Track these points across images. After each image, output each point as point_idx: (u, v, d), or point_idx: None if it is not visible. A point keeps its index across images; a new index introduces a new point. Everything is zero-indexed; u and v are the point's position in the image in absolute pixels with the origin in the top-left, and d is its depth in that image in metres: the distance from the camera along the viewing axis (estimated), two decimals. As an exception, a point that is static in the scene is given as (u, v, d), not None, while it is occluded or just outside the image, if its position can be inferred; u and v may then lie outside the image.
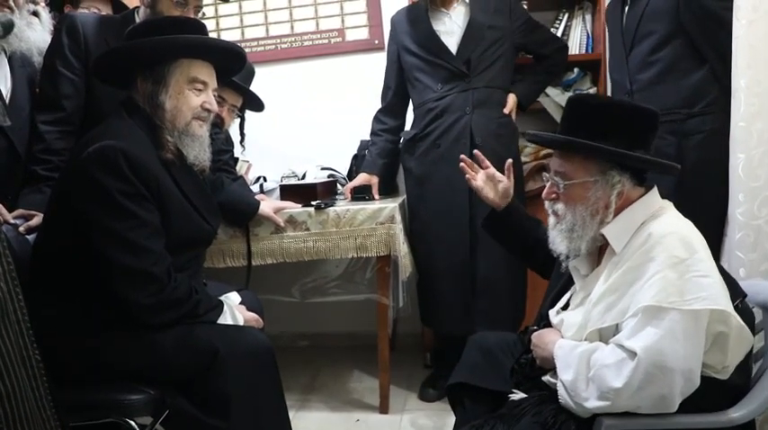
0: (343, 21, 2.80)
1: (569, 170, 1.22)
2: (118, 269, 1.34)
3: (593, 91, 2.47)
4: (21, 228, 1.60)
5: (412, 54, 2.21)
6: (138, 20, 1.83)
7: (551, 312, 1.35)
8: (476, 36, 2.13)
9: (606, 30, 2.21)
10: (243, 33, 2.90)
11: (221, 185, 1.95)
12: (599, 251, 1.28)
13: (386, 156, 2.34)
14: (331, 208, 2.08)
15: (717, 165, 1.67)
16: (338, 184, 2.48)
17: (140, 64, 1.49)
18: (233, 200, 1.98)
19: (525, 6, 2.39)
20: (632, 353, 1.06)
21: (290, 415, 1.61)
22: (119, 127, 1.45)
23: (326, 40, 2.82)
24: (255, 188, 2.40)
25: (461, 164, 1.65)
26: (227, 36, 2.87)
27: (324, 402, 2.34)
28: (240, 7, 2.89)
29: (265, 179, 2.55)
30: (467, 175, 1.64)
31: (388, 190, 2.40)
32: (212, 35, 1.74)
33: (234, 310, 1.54)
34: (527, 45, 2.26)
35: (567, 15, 2.52)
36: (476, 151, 1.67)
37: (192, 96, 1.49)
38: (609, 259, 1.21)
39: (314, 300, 2.58)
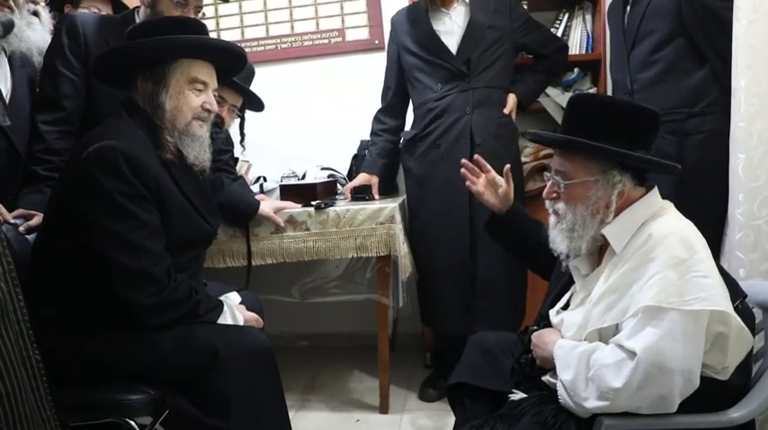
0: (343, 21, 2.80)
1: (570, 169, 1.22)
2: (118, 269, 1.34)
3: (593, 91, 2.47)
4: (21, 228, 1.59)
5: (412, 54, 2.21)
6: (138, 20, 1.84)
7: (551, 312, 1.35)
8: (476, 36, 2.13)
9: (607, 29, 2.21)
10: (243, 33, 2.90)
11: (221, 185, 1.95)
12: (599, 251, 1.28)
13: (386, 156, 2.34)
14: (331, 208, 2.08)
15: (717, 165, 1.66)
16: (338, 184, 2.48)
17: (140, 64, 1.48)
18: (233, 200, 1.98)
19: (525, 6, 2.39)
20: (632, 354, 1.06)
21: (290, 415, 1.61)
22: (119, 127, 1.45)
23: (326, 40, 2.82)
24: (255, 188, 2.40)
25: (462, 169, 1.64)
26: (227, 36, 2.88)
27: (324, 402, 2.34)
28: (240, 7, 2.89)
29: (265, 179, 2.55)
30: (467, 182, 1.63)
31: (388, 190, 2.40)
32: (212, 35, 1.74)
33: (234, 310, 1.54)
34: (527, 45, 2.26)
35: (567, 15, 2.52)
36: (477, 156, 1.66)
37: (192, 96, 1.49)
38: (609, 259, 1.21)
39: (314, 300, 2.58)
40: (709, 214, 1.65)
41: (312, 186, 2.21)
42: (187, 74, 1.48)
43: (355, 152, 2.56)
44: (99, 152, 1.34)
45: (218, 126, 2.00)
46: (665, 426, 1.09)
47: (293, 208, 2.11)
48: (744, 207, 1.56)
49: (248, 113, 2.31)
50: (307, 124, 2.84)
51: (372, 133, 2.38)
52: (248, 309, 1.63)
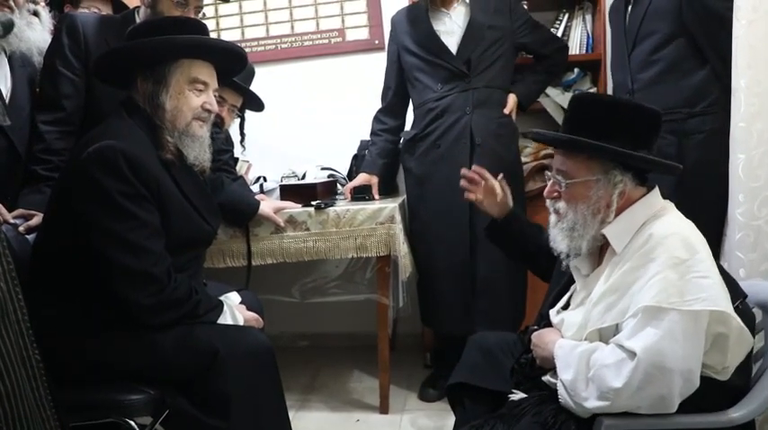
0: (343, 21, 2.80)
1: (571, 169, 1.22)
2: (118, 269, 1.34)
3: (593, 91, 2.47)
4: (20, 228, 1.59)
5: (412, 54, 2.21)
6: (138, 20, 1.83)
7: (552, 312, 1.35)
8: (476, 36, 2.13)
9: (607, 29, 2.21)
10: (243, 33, 2.90)
11: (221, 185, 1.95)
12: (600, 251, 1.28)
13: (386, 156, 2.34)
14: (331, 208, 2.08)
15: (717, 165, 1.66)
16: (338, 184, 2.48)
17: (141, 64, 1.48)
18: (233, 200, 1.98)
19: (525, 6, 2.39)
20: (632, 354, 1.06)
21: (290, 415, 1.61)
22: (119, 127, 1.45)
23: (326, 40, 2.82)
24: (255, 188, 2.40)
25: (462, 181, 1.63)
26: (227, 36, 2.88)
27: (324, 402, 2.34)
28: (240, 7, 2.89)
29: (265, 179, 2.55)
30: (467, 194, 1.62)
31: (388, 190, 2.40)
32: (212, 35, 1.74)
33: (234, 310, 1.54)
34: (527, 45, 2.26)
35: (567, 15, 2.52)
36: (475, 166, 1.64)
37: (192, 97, 1.49)
38: (610, 259, 1.21)
39: (314, 300, 2.58)
40: (709, 214, 1.65)
41: (312, 186, 2.21)
42: (187, 74, 1.48)
43: (355, 152, 2.56)
44: (99, 152, 1.34)
45: (218, 126, 2.00)
46: (664, 426, 1.09)
47: (293, 208, 2.11)
48: (744, 207, 1.56)
49: (248, 113, 2.31)
50: (307, 124, 2.84)
51: (372, 133, 2.38)
52: (248, 308, 1.63)
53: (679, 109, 1.75)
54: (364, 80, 2.66)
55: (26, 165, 1.75)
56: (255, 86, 2.18)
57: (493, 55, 2.15)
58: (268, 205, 2.06)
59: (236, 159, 2.38)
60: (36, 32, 1.78)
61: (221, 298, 1.57)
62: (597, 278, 1.22)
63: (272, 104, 2.32)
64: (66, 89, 1.80)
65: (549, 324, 1.34)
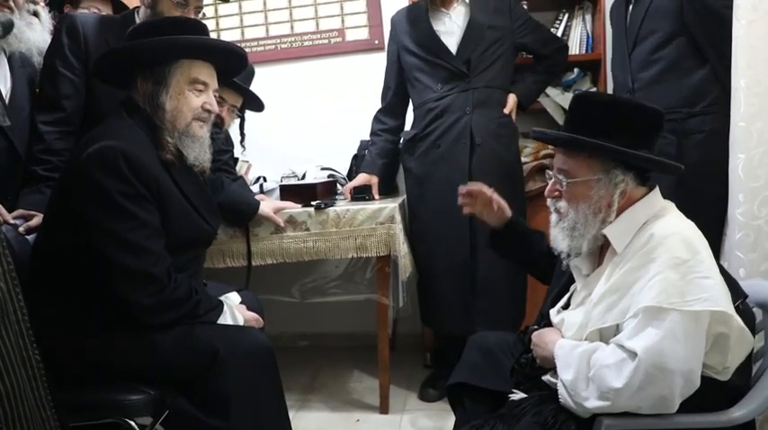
0: (343, 21, 2.80)
1: (573, 168, 1.22)
2: (118, 269, 1.34)
3: (593, 91, 2.47)
4: (20, 229, 1.60)
5: (412, 54, 2.21)
6: (138, 20, 1.83)
7: (552, 311, 1.35)
8: (476, 36, 2.13)
9: (607, 29, 2.21)
10: (243, 33, 2.90)
11: (221, 185, 1.95)
12: (600, 251, 1.27)
13: (386, 156, 2.34)
14: (331, 208, 2.08)
15: (717, 164, 1.66)
16: (338, 184, 2.48)
17: (141, 64, 1.48)
18: (233, 200, 1.98)
19: (525, 6, 2.39)
20: (633, 354, 1.06)
21: (290, 415, 1.61)
22: (119, 127, 1.45)
23: (326, 40, 2.82)
24: (255, 188, 2.40)
25: (459, 198, 1.60)
26: (227, 36, 2.88)
27: (324, 402, 2.34)
28: (240, 7, 2.89)
29: (265, 179, 2.55)
30: (465, 210, 1.61)
31: (388, 190, 2.40)
32: (212, 35, 1.74)
33: (234, 310, 1.54)
34: (527, 45, 2.26)
35: (567, 15, 2.52)
36: (470, 183, 1.62)
37: (192, 97, 1.49)
38: (610, 259, 1.21)
39: (314, 300, 2.58)
40: (709, 214, 1.65)
41: (312, 186, 2.21)
42: (187, 74, 1.48)
43: (355, 152, 2.56)
44: (99, 152, 1.34)
45: (218, 126, 2.00)
46: (665, 426, 1.09)
47: (293, 208, 2.11)
48: (744, 207, 1.56)
49: (248, 113, 2.31)
50: (307, 124, 2.84)
51: (372, 133, 2.38)
52: (248, 308, 1.63)
53: (679, 108, 1.75)
54: (364, 80, 2.66)
55: (26, 166, 1.75)
56: (255, 86, 2.18)
57: (493, 55, 2.15)
58: (268, 205, 2.06)
59: (236, 159, 2.38)
60: (36, 33, 1.78)
61: (221, 298, 1.57)
62: (598, 278, 1.22)
63: (271, 104, 2.31)
64: (65, 89, 1.79)
65: (549, 323, 1.34)
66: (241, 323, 1.53)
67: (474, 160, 2.10)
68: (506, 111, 2.19)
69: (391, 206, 2.07)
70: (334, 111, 2.79)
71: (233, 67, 1.67)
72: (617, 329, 1.14)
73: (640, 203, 1.20)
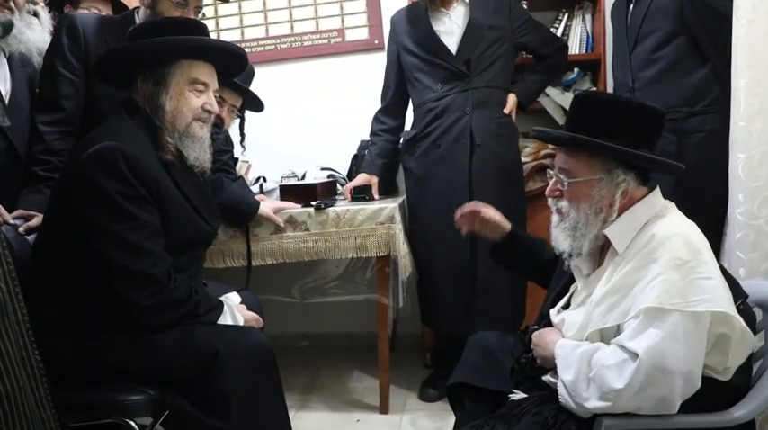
0: (342, 21, 2.80)
1: (574, 167, 1.22)
2: (118, 270, 1.34)
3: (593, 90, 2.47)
4: (20, 229, 1.60)
5: (412, 54, 2.21)
6: (138, 20, 1.84)
7: (552, 311, 1.35)
8: (476, 36, 2.13)
9: (607, 29, 2.21)
10: (243, 33, 2.90)
11: (221, 186, 1.95)
12: (600, 251, 1.27)
13: (385, 156, 2.34)
14: (331, 208, 2.08)
15: (717, 164, 1.66)
16: (338, 184, 2.48)
17: (141, 65, 1.48)
18: (233, 200, 1.98)
19: (525, 6, 2.39)
20: (634, 355, 1.05)
21: (290, 415, 1.61)
22: (119, 128, 1.45)
23: (326, 40, 2.82)
24: (255, 188, 2.40)
25: (456, 217, 1.59)
26: (226, 36, 2.88)
27: (324, 402, 2.34)
28: (240, 7, 2.89)
29: (265, 179, 2.55)
30: (463, 230, 1.59)
31: (388, 190, 2.40)
32: (212, 35, 1.74)
33: (234, 310, 1.54)
34: (527, 45, 2.26)
35: (566, 15, 2.52)
36: (468, 204, 1.60)
37: (192, 97, 1.49)
38: (611, 259, 1.21)
39: (314, 301, 2.58)
40: (709, 214, 1.65)
41: (312, 186, 2.21)
42: (187, 75, 1.48)
43: (355, 152, 2.56)
44: (99, 153, 1.34)
45: (218, 126, 2.00)
46: (665, 426, 1.09)
47: (293, 208, 2.11)
48: (744, 206, 1.56)
49: (248, 113, 2.31)
50: (307, 124, 2.84)
51: (372, 133, 2.38)
52: (248, 309, 1.63)
53: (679, 108, 1.75)
54: (364, 80, 2.66)
55: (26, 166, 1.75)
56: (255, 87, 2.18)
57: (493, 55, 2.15)
58: (268, 205, 2.06)
59: (236, 160, 2.38)
60: (35, 33, 1.78)
61: (221, 298, 1.57)
62: (598, 278, 1.22)
63: (271, 105, 2.31)
64: (65, 90, 1.79)
65: (549, 323, 1.34)
66: (241, 323, 1.53)
67: (474, 160, 2.10)
68: (506, 110, 2.19)
69: (391, 206, 2.07)
70: (334, 111, 2.79)
71: (233, 68, 1.67)
72: (618, 330, 1.14)
73: (641, 203, 1.20)
